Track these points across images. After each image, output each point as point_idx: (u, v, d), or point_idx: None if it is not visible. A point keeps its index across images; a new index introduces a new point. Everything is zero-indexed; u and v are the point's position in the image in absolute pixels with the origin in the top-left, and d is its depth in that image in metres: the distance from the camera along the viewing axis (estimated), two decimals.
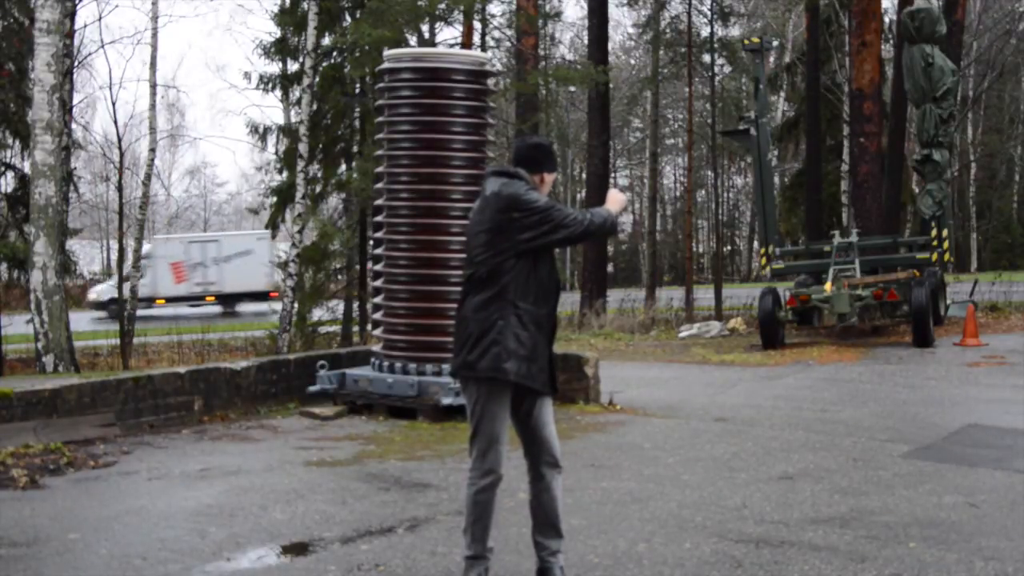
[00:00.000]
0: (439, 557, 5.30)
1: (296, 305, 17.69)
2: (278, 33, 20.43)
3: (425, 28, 19.90)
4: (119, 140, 20.62)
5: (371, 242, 13.83)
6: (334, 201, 22.46)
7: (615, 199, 4.88)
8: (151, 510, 6.26)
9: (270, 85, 20.62)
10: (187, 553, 5.40)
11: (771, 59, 38.41)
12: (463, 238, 9.62)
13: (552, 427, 4.76)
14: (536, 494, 4.74)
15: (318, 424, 9.22)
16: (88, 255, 42.23)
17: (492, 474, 4.63)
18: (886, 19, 27.25)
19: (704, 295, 27.41)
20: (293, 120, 21.29)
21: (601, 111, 24.25)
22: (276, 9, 21.05)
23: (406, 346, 9.63)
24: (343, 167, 20.25)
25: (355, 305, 20.15)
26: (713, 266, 36.14)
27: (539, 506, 4.74)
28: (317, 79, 18.22)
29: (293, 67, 20.28)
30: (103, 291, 32.85)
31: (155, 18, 23.25)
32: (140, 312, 22.55)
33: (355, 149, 19.75)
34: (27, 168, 16.78)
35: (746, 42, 20.33)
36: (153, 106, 23.40)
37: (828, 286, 15.58)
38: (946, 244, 17.19)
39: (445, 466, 7.41)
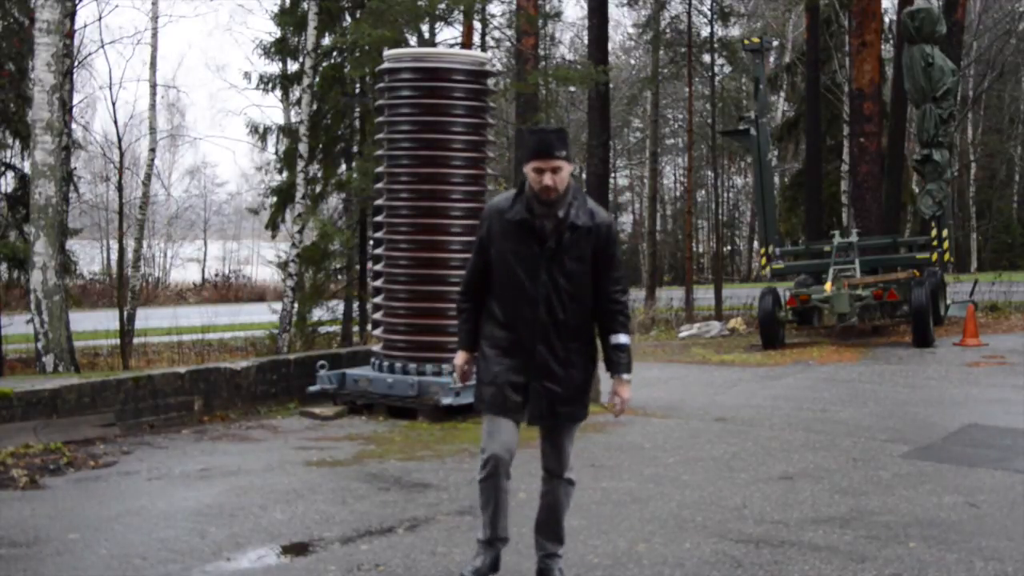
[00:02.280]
0: (439, 557, 5.29)
1: (296, 305, 17.69)
2: (278, 33, 20.43)
3: (425, 28, 19.88)
4: (119, 140, 20.65)
5: (371, 242, 13.83)
6: (334, 201, 22.46)
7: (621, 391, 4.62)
8: (151, 510, 6.26)
9: (270, 85, 20.61)
10: (187, 553, 5.40)
11: (771, 59, 38.41)
12: (463, 238, 9.70)
13: (560, 440, 4.68)
14: (541, 494, 4.78)
15: (318, 424, 9.22)
16: (88, 255, 42.14)
17: (491, 460, 4.57)
18: (886, 19, 27.25)
19: (704, 295, 27.40)
20: (293, 120, 21.28)
21: (601, 111, 24.24)
22: (276, 9, 21.06)
23: (406, 346, 9.63)
24: (343, 167, 20.24)
25: (355, 305, 20.14)
26: (713, 266, 36.14)
27: (541, 506, 4.78)
28: (317, 79, 18.22)
29: (293, 67, 20.28)
30: None
31: (155, 18, 23.29)
32: None
33: (355, 149, 19.75)
34: (27, 168, 16.77)
35: (746, 42, 20.33)
36: (153, 106, 23.44)
37: (828, 286, 15.57)
38: (946, 244, 17.18)
39: (445, 466, 7.41)
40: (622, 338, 4.56)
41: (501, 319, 4.56)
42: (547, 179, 4.37)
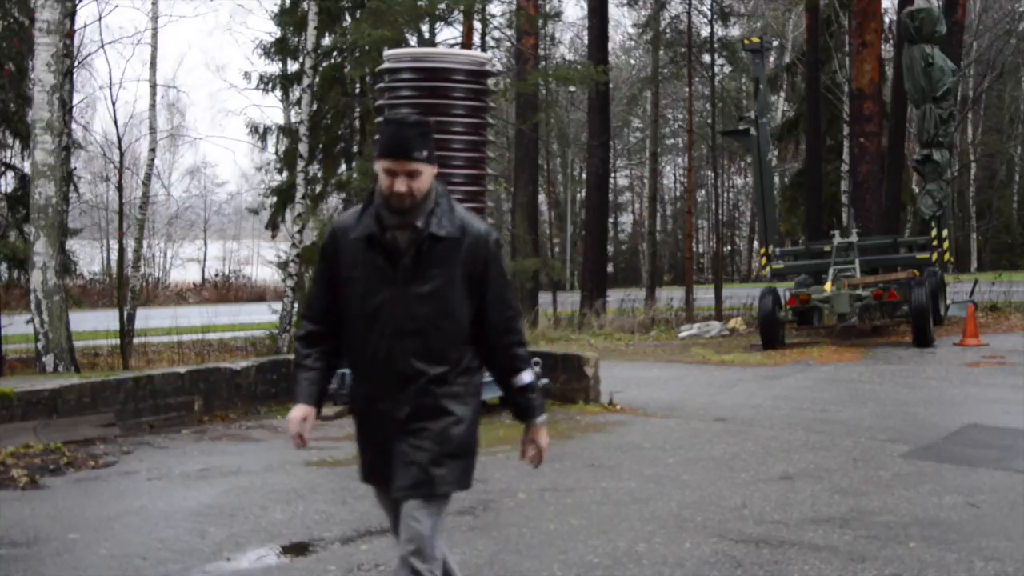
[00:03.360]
0: None
1: (296, 305, 17.69)
2: (278, 33, 20.45)
3: (425, 28, 19.88)
4: (119, 140, 20.63)
5: None
6: (334, 201, 22.46)
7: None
8: (151, 510, 6.26)
9: (270, 85, 20.62)
10: (187, 553, 5.40)
11: (771, 59, 38.41)
12: None
13: (417, 510, 3.54)
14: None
15: (318, 424, 9.20)
16: (88, 255, 42.21)
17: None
18: (886, 19, 27.27)
19: (704, 295, 27.41)
20: (293, 120, 21.28)
21: (601, 111, 24.25)
22: (276, 9, 21.06)
23: None
24: (343, 167, 20.25)
25: None
26: (713, 266, 36.15)
27: None
28: (317, 79, 18.22)
29: (293, 67, 20.29)
30: None
31: (155, 18, 23.28)
32: None
33: (355, 149, 19.75)
34: (27, 168, 16.78)
35: (746, 42, 20.33)
36: (153, 106, 23.43)
37: (828, 286, 15.56)
38: (946, 244, 17.19)
39: None
40: (527, 377, 3.66)
41: (359, 366, 3.65)
42: (400, 185, 3.45)
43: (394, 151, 3.46)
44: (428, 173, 3.50)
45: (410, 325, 3.51)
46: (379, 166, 3.49)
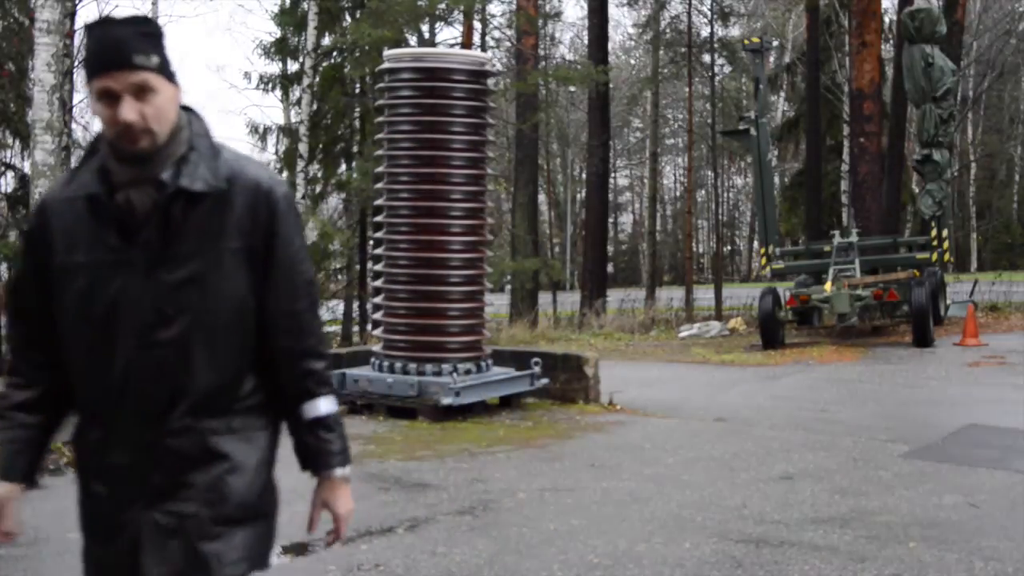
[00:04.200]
0: (439, 557, 5.29)
1: None
2: (278, 33, 20.48)
3: (425, 28, 19.91)
4: None
5: (371, 242, 13.83)
6: (334, 201, 22.48)
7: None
8: None
9: (270, 85, 20.65)
10: None
11: (771, 59, 38.45)
12: (463, 238, 9.71)
13: None
14: None
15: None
16: None
17: None
18: (886, 19, 27.29)
19: (704, 295, 27.42)
20: (293, 120, 21.31)
21: (601, 111, 24.26)
22: (276, 9, 21.10)
23: (406, 346, 9.63)
24: (343, 167, 20.27)
25: (355, 305, 20.15)
26: (713, 266, 36.16)
27: None
28: (317, 79, 18.26)
29: (293, 67, 20.32)
30: None
31: (155, 18, 23.28)
32: None
33: (355, 149, 19.77)
34: (27, 168, 16.79)
35: (746, 42, 20.34)
36: None
37: (828, 286, 15.56)
38: (946, 244, 17.19)
39: (445, 466, 7.40)
40: (322, 406, 2.51)
41: (85, 399, 2.44)
42: (128, 112, 2.21)
43: (105, 60, 2.21)
44: (168, 93, 2.30)
45: (161, 330, 2.29)
46: (91, 91, 2.24)
